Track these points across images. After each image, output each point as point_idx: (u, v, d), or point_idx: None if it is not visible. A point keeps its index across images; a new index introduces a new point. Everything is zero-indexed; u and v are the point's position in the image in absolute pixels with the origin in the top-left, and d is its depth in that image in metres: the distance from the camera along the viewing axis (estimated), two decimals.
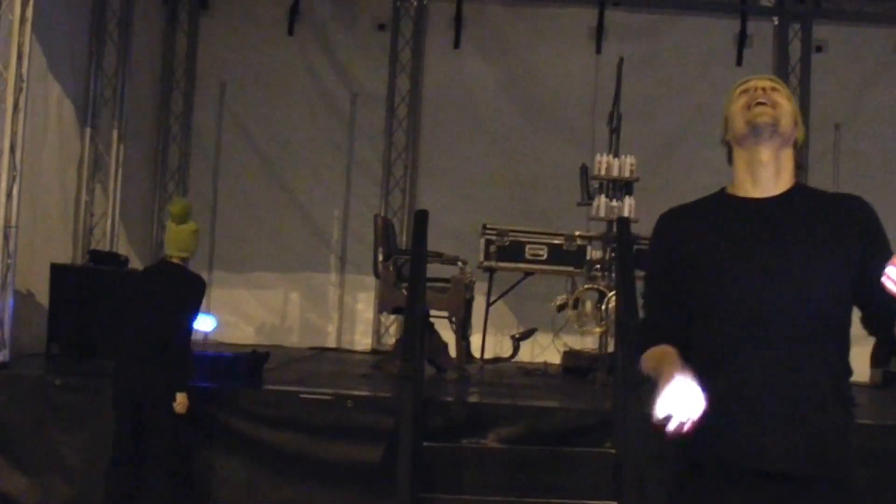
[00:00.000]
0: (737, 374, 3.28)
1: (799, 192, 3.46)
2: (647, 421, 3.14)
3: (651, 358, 3.42)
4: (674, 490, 3.48)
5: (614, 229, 10.34)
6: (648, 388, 3.30)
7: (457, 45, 13.51)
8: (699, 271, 3.38)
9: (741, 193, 3.45)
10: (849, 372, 3.39)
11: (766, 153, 3.41)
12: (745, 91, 3.48)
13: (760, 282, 3.29)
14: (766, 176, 3.43)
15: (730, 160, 3.52)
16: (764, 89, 3.45)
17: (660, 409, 3.02)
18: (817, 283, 3.28)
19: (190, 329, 7.73)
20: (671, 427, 3.00)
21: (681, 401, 3.03)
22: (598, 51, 13.38)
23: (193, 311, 7.78)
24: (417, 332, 8.17)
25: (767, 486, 3.25)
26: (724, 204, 3.47)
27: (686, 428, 3.00)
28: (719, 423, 3.21)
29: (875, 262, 3.13)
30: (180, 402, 7.45)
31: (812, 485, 3.25)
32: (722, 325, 3.32)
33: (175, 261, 7.83)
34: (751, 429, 3.26)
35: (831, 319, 3.32)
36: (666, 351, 3.35)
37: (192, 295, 7.77)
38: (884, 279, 2.93)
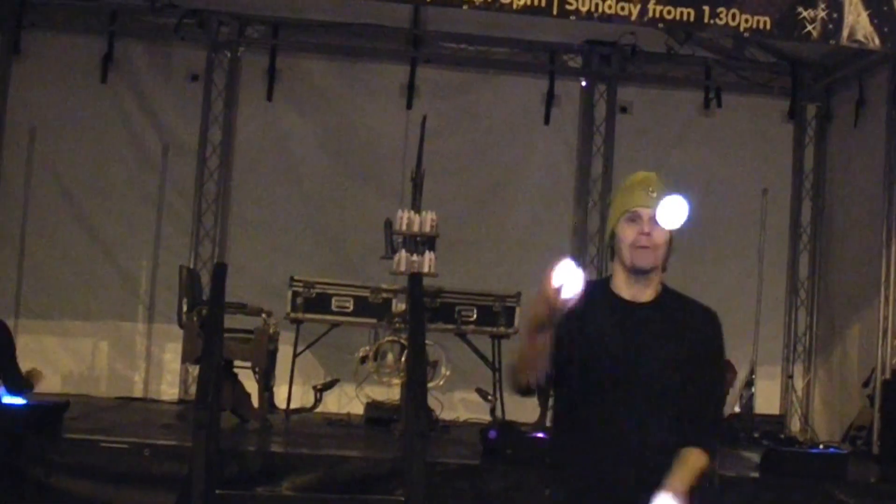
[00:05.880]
0: (604, 431, 4.11)
1: (664, 297, 4.23)
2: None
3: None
4: None
5: None
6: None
7: (269, 97, 13.60)
8: (588, 347, 4.09)
9: (621, 294, 4.19)
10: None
11: (643, 282, 4.18)
12: (633, 220, 4.14)
13: (632, 364, 4.07)
14: (642, 292, 4.19)
15: (612, 255, 4.26)
16: (649, 233, 4.12)
17: (556, 280, 3.70)
18: (670, 369, 4.10)
19: None
20: (564, 296, 3.68)
21: (569, 275, 3.71)
22: (409, 106, 13.55)
23: None
24: (212, 381, 8.23)
25: None
26: (609, 297, 4.21)
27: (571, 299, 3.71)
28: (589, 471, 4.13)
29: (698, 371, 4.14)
30: None
31: None
32: (600, 391, 4.10)
33: None
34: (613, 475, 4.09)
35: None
36: None
37: None
38: None
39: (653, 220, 4.11)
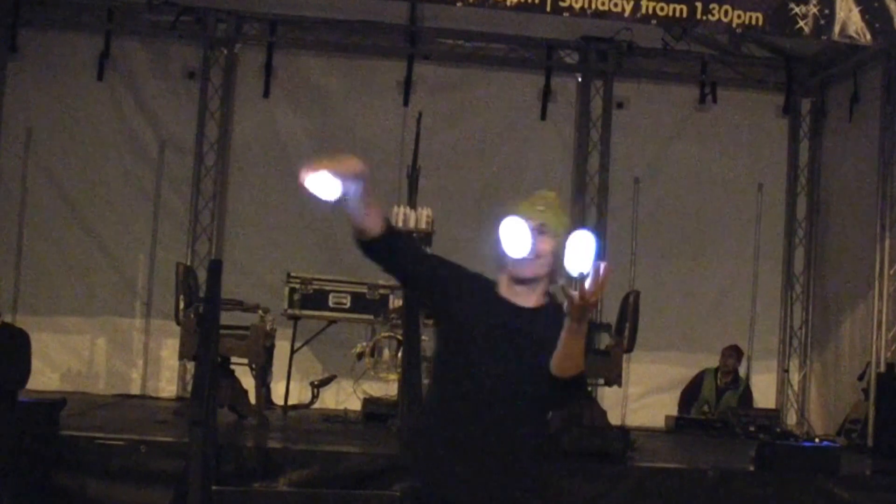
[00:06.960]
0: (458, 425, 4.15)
1: (546, 308, 4.17)
2: None
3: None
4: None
5: None
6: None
7: (266, 94, 13.62)
8: (462, 337, 4.20)
9: (504, 294, 4.20)
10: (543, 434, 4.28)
11: (526, 292, 4.17)
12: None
13: (500, 365, 4.09)
14: (524, 298, 4.18)
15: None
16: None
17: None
18: (527, 378, 4.05)
19: None
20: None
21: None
22: (406, 103, 13.57)
23: None
24: (208, 378, 8.26)
25: None
26: (493, 294, 4.23)
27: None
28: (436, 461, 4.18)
29: None
30: None
31: None
32: (460, 375, 4.17)
33: None
34: (459, 469, 4.12)
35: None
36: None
37: None
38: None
39: (534, 231, 4.12)
